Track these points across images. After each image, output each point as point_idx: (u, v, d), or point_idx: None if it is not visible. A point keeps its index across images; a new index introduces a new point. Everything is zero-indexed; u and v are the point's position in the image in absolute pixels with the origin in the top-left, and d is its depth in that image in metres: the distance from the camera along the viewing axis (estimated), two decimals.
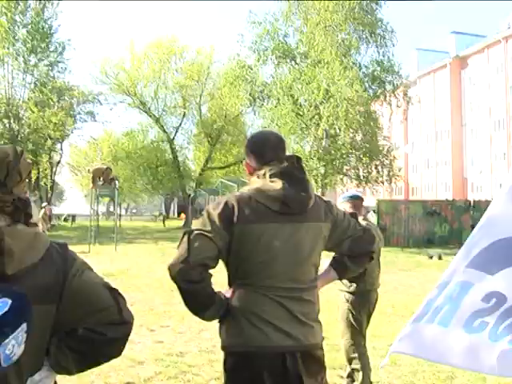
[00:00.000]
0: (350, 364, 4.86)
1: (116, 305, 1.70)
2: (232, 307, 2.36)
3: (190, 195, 46.98)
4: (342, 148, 26.82)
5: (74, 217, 57.95)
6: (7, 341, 1.31)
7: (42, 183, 55.65)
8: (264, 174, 2.41)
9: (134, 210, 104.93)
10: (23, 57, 39.17)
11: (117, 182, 28.54)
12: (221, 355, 2.48)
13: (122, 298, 1.75)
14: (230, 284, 2.46)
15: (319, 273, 2.62)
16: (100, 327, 1.66)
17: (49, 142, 44.03)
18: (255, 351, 2.28)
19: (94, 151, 54.96)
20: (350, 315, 4.81)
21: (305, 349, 2.34)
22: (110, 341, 1.68)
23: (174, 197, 73.88)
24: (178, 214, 66.94)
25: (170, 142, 47.42)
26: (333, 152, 27.03)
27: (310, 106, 26.53)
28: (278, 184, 2.36)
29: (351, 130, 26.57)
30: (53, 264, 1.64)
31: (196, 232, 2.32)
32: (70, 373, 1.73)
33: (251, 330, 2.29)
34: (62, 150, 54.04)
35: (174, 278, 2.31)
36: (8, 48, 37.73)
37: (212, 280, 2.37)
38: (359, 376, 4.71)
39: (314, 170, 26.84)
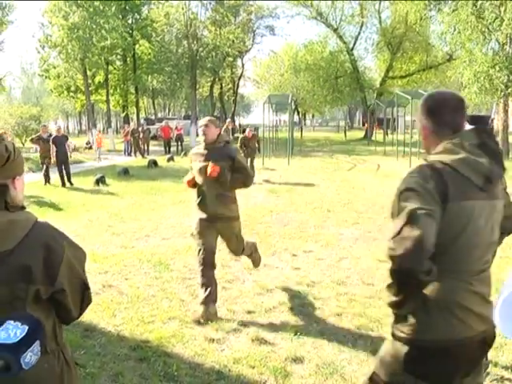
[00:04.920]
0: None
1: (80, 303, 1.99)
2: (430, 297, 2.12)
3: (369, 106, 46.46)
4: None
5: (256, 128, 60.26)
6: (25, 354, 1.66)
7: (225, 97, 58.36)
8: (461, 144, 2.15)
9: (320, 121, 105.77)
10: None
11: (290, 94, 29.17)
12: (389, 339, 2.31)
13: (87, 298, 2.02)
14: None
15: None
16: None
17: (228, 58, 45.59)
18: (456, 344, 2.12)
19: (275, 64, 56.13)
20: None
21: (493, 329, 2.24)
22: (61, 317, 1.99)
23: (358, 107, 73.35)
24: (363, 124, 66.86)
25: (349, 52, 46.82)
26: None
27: (492, 8, 24.16)
28: (483, 157, 2.12)
29: None
30: (33, 247, 1.80)
31: (422, 212, 1.96)
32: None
33: (455, 322, 2.12)
34: (243, 64, 56.00)
35: (408, 271, 1.93)
36: None
37: None
38: None
39: (495, 79, 24.82)
